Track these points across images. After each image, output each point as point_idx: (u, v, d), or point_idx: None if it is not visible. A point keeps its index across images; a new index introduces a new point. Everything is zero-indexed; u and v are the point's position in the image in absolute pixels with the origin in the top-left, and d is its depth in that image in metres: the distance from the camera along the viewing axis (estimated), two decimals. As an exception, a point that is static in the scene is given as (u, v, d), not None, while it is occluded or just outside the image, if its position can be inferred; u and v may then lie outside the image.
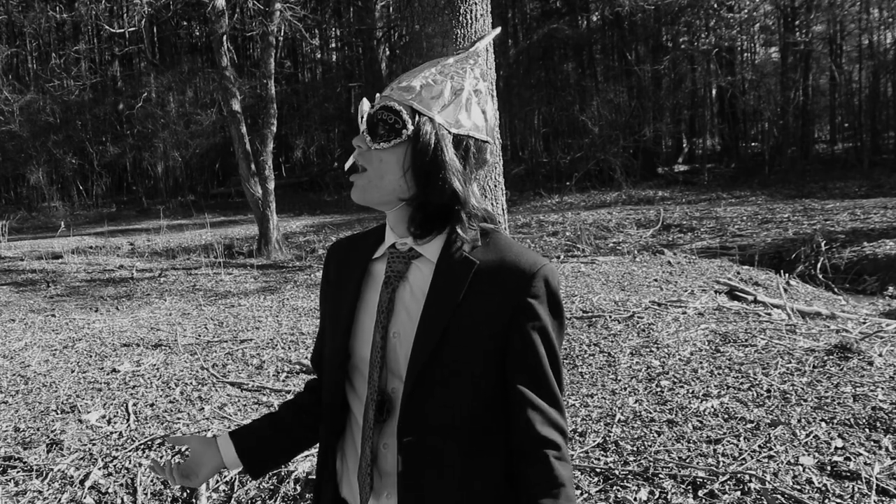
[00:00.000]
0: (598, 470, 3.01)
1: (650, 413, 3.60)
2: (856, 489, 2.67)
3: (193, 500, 3.10)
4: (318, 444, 1.36)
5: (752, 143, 25.08)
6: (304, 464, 3.20)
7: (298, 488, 3.09)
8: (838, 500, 2.62)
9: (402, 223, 1.23)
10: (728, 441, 3.16)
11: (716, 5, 19.84)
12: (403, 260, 1.23)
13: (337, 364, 1.26)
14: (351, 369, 1.26)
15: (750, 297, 6.53)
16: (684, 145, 25.30)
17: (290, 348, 5.51)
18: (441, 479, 1.18)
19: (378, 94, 1.24)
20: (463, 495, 1.18)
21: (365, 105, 1.22)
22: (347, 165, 1.30)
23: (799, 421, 3.29)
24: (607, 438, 3.33)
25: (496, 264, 1.18)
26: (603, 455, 3.17)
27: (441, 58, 1.26)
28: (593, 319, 5.55)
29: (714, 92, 25.34)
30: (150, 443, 3.58)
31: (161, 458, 3.43)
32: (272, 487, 3.11)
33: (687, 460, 3.02)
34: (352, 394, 1.28)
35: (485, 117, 1.21)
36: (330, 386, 1.29)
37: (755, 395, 3.69)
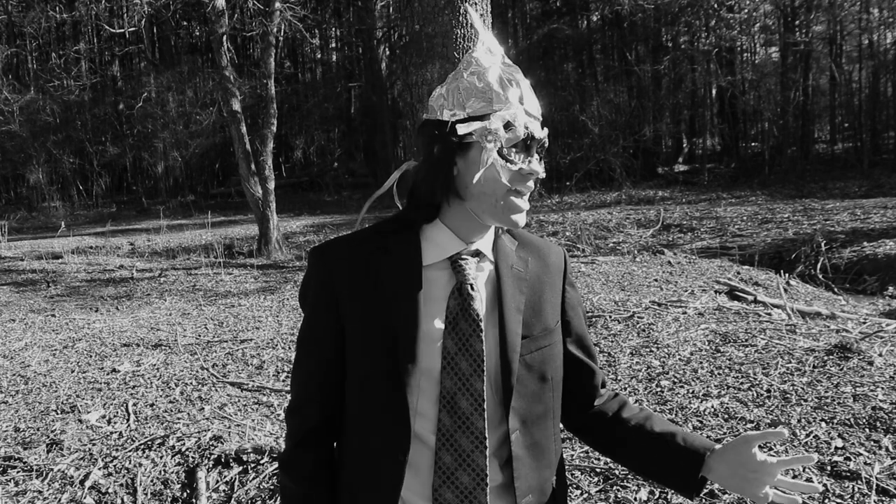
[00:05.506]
0: (598, 470, 3.01)
1: (650, 413, 3.60)
2: (856, 489, 2.67)
3: (193, 501, 3.10)
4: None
5: (752, 143, 25.07)
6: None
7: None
8: (838, 500, 2.62)
9: (485, 228, 1.25)
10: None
11: (716, 5, 19.84)
12: (473, 264, 1.23)
13: (410, 375, 1.17)
14: (409, 380, 1.19)
15: (750, 297, 6.53)
16: (684, 145, 25.31)
17: (289, 348, 5.51)
18: (542, 465, 1.27)
19: (526, 113, 1.19)
20: (551, 472, 1.30)
21: (541, 132, 1.20)
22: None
23: (799, 421, 3.29)
24: (607, 438, 3.33)
25: (535, 255, 1.31)
26: (603, 455, 3.17)
27: (492, 58, 1.24)
28: (593, 319, 5.55)
29: (714, 92, 25.34)
30: (150, 443, 3.58)
31: (161, 457, 3.43)
32: (272, 487, 3.12)
33: (687, 460, 3.02)
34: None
35: None
36: (395, 405, 1.18)
37: (755, 395, 3.69)
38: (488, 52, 1.22)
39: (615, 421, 1.35)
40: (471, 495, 1.19)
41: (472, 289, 1.20)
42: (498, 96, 1.16)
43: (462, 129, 1.15)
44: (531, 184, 1.19)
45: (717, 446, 1.21)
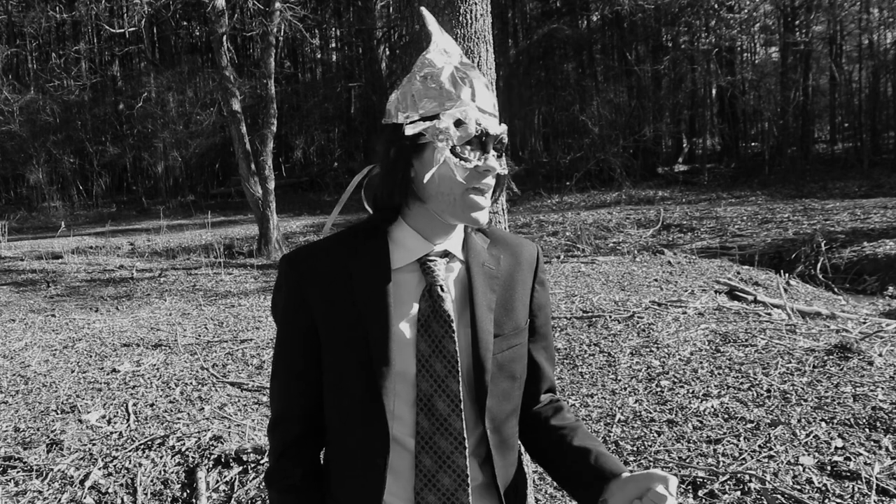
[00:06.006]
0: (598, 470, 3.01)
1: (650, 413, 3.60)
2: (856, 489, 2.67)
3: (193, 500, 3.10)
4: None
5: (752, 143, 25.08)
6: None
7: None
8: (838, 500, 2.62)
9: (450, 227, 1.24)
10: (728, 441, 3.16)
11: (716, 5, 19.85)
12: (442, 265, 1.23)
13: (386, 378, 1.17)
14: (384, 383, 1.19)
15: (750, 297, 6.53)
16: (684, 145, 25.30)
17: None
18: (508, 463, 1.28)
19: (479, 110, 1.17)
20: (514, 469, 1.30)
21: (497, 128, 1.18)
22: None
23: (799, 421, 3.29)
24: (607, 438, 3.33)
25: (508, 252, 1.30)
26: (603, 455, 3.17)
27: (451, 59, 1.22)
28: (593, 319, 5.55)
29: (714, 92, 25.34)
30: (150, 443, 3.58)
31: (161, 457, 3.43)
32: (272, 487, 3.11)
33: (687, 460, 3.02)
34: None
35: None
36: (372, 410, 1.18)
37: (755, 395, 3.69)
38: (443, 53, 1.21)
39: (543, 427, 1.34)
40: (453, 497, 1.19)
41: (443, 290, 1.20)
42: (449, 95, 1.15)
43: (410, 130, 1.14)
44: (489, 180, 1.18)
45: (625, 473, 1.18)
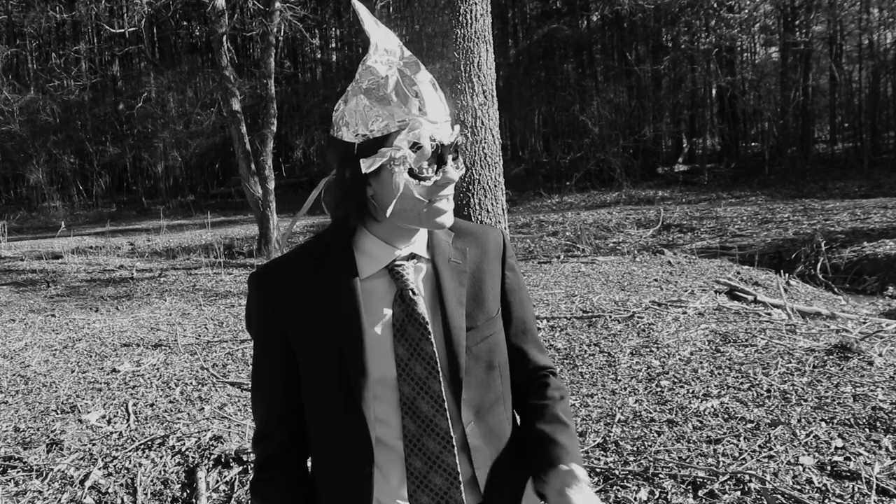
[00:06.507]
0: (598, 470, 3.01)
1: (650, 413, 3.60)
2: (856, 489, 2.67)
3: (193, 500, 3.10)
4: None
5: (752, 143, 25.08)
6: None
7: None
8: (838, 500, 2.62)
9: (414, 231, 1.23)
10: (728, 441, 3.16)
11: (716, 5, 19.85)
12: (411, 268, 1.23)
13: (363, 387, 1.18)
14: (362, 392, 1.19)
15: (750, 297, 6.52)
16: (684, 145, 25.29)
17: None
18: (495, 452, 1.28)
19: (431, 123, 1.14)
20: (509, 458, 1.30)
21: (450, 136, 1.16)
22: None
23: (799, 421, 3.29)
24: (607, 438, 3.33)
25: (474, 243, 1.30)
26: (603, 455, 3.17)
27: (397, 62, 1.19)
28: (593, 319, 5.55)
29: (714, 92, 25.34)
30: (150, 443, 3.58)
31: (161, 457, 3.43)
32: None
33: (687, 460, 3.02)
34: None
35: None
36: (353, 419, 1.18)
37: (755, 395, 3.69)
38: (384, 54, 1.17)
39: (525, 406, 1.36)
40: (446, 495, 1.20)
41: (414, 293, 1.20)
42: (400, 109, 1.11)
43: (367, 166, 1.11)
44: (449, 189, 1.17)
45: (563, 467, 1.20)
